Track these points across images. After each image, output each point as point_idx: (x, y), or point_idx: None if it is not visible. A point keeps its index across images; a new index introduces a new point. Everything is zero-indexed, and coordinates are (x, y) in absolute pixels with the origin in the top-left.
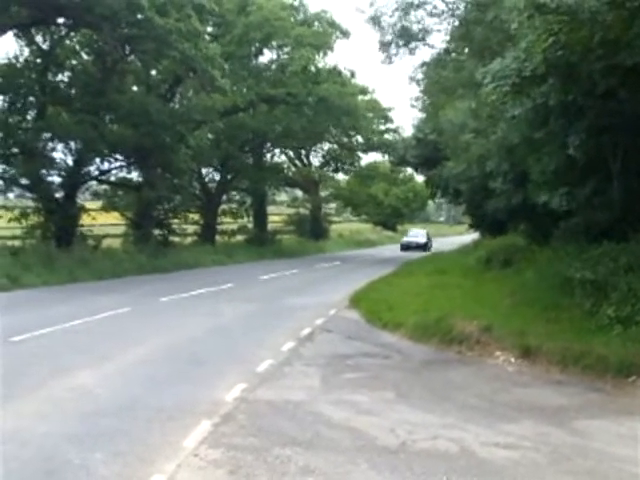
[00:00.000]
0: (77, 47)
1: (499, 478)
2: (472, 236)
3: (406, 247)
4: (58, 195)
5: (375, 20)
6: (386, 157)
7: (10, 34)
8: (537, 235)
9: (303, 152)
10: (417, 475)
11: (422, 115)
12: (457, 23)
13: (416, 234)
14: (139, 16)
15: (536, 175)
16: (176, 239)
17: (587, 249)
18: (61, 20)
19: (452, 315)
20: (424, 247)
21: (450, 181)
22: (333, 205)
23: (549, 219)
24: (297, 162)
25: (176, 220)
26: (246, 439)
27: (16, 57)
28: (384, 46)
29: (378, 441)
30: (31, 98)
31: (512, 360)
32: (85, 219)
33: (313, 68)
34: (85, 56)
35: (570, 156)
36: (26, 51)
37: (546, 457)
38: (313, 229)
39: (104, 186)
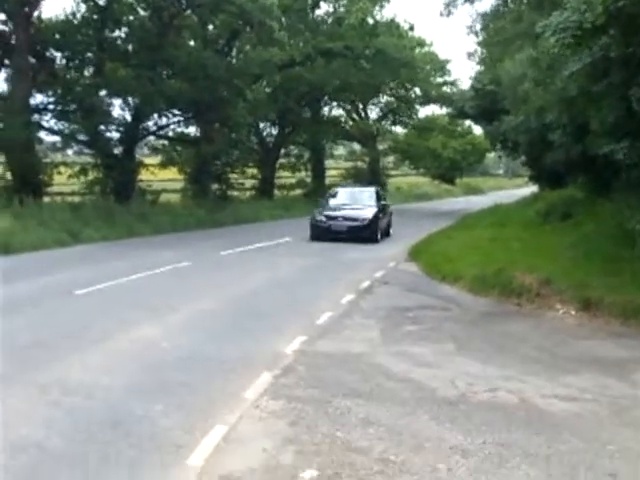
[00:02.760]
0: (133, 2)
1: (559, 430)
2: (531, 189)
3: (322, 233)
4: (116, 151)
5: None
6: (444, 109)
7: None
8: (597, 187)
9: (360, 105)
10: (477, 426)
11: (480, 67)
12: None
13: (350, 199)
14: None
15: (596, 126)
16: (234, 193)
17: None
18: None
19: (511, 267)
20: (369, 231)
21: (508, 133)
22: (391, 158)
23: (609, 171)
24: (354, 115)
25: (234, 175)
26: (306, 391)
27: (73, 14)
28: None
29: (438, 393)
30: (89, 54)
31: (572, 313)
32: (144, 174)
33: (370, 20)
34: (142, 11)
35: (630, 109)
36: (83, 7)
37: (607, 409)
38: (371, 182)
39: (162, 141)
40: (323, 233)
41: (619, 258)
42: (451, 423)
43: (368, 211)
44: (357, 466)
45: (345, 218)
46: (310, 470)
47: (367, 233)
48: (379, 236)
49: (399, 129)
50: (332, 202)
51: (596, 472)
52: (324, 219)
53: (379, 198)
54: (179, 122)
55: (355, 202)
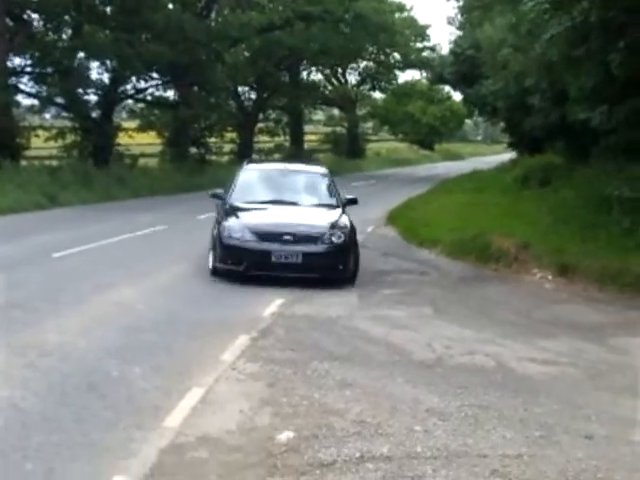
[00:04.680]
0: None
1: (536, 393)
2: (510, 155)
3: (250, 263)
4: (94, 114)
5: None
6: (423, 74)
7: None
8: (575, 153)
9: (340, 70)
10: (454, 389)
11: (460, 32)
12: None
13: (278, 190)
14: None
15: (575, 92)
16: (213, 157)
17: (626, 167)
18: None
19: (489, 232)
20: (343, 261)
21: (488, 98)
22: (370, 124)
23: (587, 137)
24: (334, 80)
25: (213, 139)
26: (284, 353)
27: None
28: None
29: (415, 356)
30: (66, 17)
31: (549, 278)
32: (122, 138)
33: None
34: None
35: (610, 74)
36: None
37: (584, 373)
38: (350, 148)
39: (140, 105)
40: (253, 265)
41: (596, 224)
42: (427, 386)
43: (329, 217)
44: (334, 428)
45: (296, 236)
46: (287, 432)
47: (340, 266)
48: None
49: (378, 94)
50: (244, 197)
51: (572, 434)
52: (250, 236)
53: (335, 191)
54: (157, 86)
55: (292, 198)
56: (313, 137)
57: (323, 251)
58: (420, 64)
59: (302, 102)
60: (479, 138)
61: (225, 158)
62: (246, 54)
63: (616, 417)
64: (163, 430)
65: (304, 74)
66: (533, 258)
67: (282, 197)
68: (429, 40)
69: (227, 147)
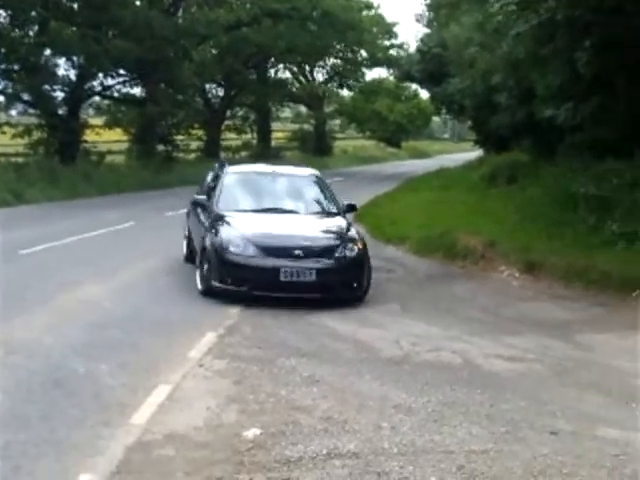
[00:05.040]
0: None
1: (502, 389)
2: (476, 153)
3: (255, 281)
4: (61, 111)
5: None
6: (391, 72)
7: None
8: (542, 151)
9: (307, 68)
10: (420, 385)
11: (427, 30)
12: None
13: (262, 195)
14: None
15: (541, 90)
16: (180, 155)
17: (592, 165)
18: None
19: (456, 230)
20: (358, 278)
21: (455, 96)
22: (337, 121)
23: (554, 135)
24: (301, 78)
25: (180, 136)
26: (251, 350)
27: None
28: None
29: (382, 353)
30: (33, 13)
31: (516, 275)
32: (89, 135)
33: None
34: None
35: (576, 72)
36: None
37: (550, 370)
38: (317, 145)
39: (107, 101)
40: (259, 284)
41: (562, 221)
42: (394, 382)
43: (336, 227)
44: (301, 425)
45: (307, 250)
46: (254, 429)
47: (354, 283)
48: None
49: (346, 92)
50: (232, 205)
51: (538, 430)
52: (253, 251)
53: (333, 197)
54: (124, 82)
55: (288, 205)
56: (280, 134)
57: (338, 267)
58: (387, 62)
59: (269, 99)
60: (446, 136)
61: (192, 155)
62: (213, 51)
63: (581, 413)
64: (130, 427)
65: (272, 72)
66: (500, 256)
67: (277, 204)
68: (396, 38)
69: (194, 144)
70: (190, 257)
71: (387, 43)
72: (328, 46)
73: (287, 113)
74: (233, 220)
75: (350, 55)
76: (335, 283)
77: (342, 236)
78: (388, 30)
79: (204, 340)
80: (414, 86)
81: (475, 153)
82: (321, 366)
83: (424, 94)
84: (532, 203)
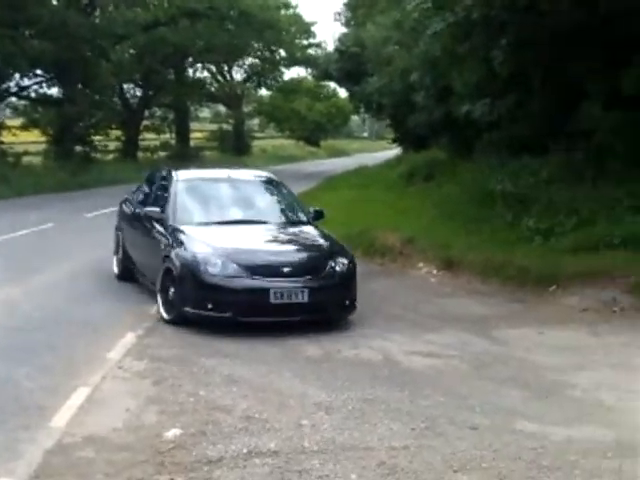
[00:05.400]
0: None
1: (422, 385)
2: (395, 151)
3: (240, 307)
4: None
5: None
6: (309, 71)
7: None
8: (459, 149)
9: (225, 67)
10: (341, 383)
11: (345, 29)
12: None
13: (220, 204)
14: None
15: (458, 88)
16: (98, 155)
17: (508, 162)
18: None
19: (375, 228)
20: (349, 296)
21: (373, 95)
22: (256, 121)
23: (471, 133)
24: (219, 77)
25: (98, 137)
26: (170, 350)
27: None
28: None
29: (302, 351)
30: None
31: (434, 272)
32: (5, 136)
33: None
34: None
35: (492, 70)
36: None
37: (469, 365)
38: (236, 145)
39: (24, 102)
40: (245, 309)
41: (480, 218)
42: (315, 380)
43: (316, 238)
44: (221, 424)
45: (295, 267)
46: (174, 429)
47: (346, 301)
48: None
49: (264, 91)
50: (192, 217)
51: (457, 425)
52: (235, 270)
53: (300, 203)
54: (41, 83)
55: (256, 216)
56: (199, 134)
57: (330, 284)
58: (306, 61)
59: (188, 99)
60: (365, 135)
61: (110, 156)
62: (131, 51)
63: (500, 407)
64: (49, 430)
65: (190, 71)
66: (418, 252)
67: (243, 214)
68: (315, 37)
69: (112, 145)
70: (125, 275)
71: (305, 42)
72: (246, 45)
73: (206, 113)
74: (199, 235)
75: (268, 54)
76: (328, 303)
77: (327, 248)
78: (306, 29)
79: (123, 341)
80: (332, 85)
81: (393, 151)
82: (241, 365)
83: (343, 93)
84: (450, 200)
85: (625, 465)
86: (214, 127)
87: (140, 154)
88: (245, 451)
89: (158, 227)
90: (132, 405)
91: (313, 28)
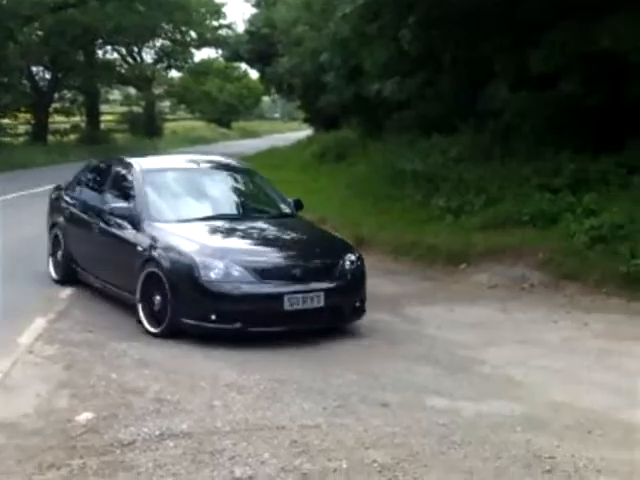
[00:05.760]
0: None
1: (333, 365)
2: (306, 132)
3: (257, 316)
4: None
5: None
6: (219, 53)
7: None
8: (370, 128)
9: (135, 49)
10: (252, 364)
11: (255, 10)
12: None
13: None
14: None
15: (368, 68)
16: (7, 139)
17: (418, 141)
18: None
19: None
20: (358, 297)
21: (284, 76)
22: (167, 103)
23: (381, 112)
24: (129, 59)
25: (6, 120)
26: (81, 334)
27: None
28: None
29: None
30: None
31: None
32: None
33: None
34: None
35: (401, 49)
36: None
37: (380, 343)
38: (147, 127)
39: None
40: (256, 318)
41: (391, 197)
42: (226, 362)
43: (315, 234)
44: (133, 407)
45: (307, 269)
46: (86, 413)
47: (357, 302)
48: None
49: (175, 73)
50: (167, 213)
51: (369, 403)
52: (241, 274)
53: (278, 193)
54: None
55: (239, 210)
56: (110, 117)
57: (343, 285)
58: (216, 42)
59: (98, 81)
60: (277, 116)
61: (20, 139)
62: (40, 33)
63: (411, 384)
64: None
65: (100, 53)
66: (330, 231)
67: (225, 209)
68: (225, 18)
69: (22, 128)
70: (68, 279)
71: (215, 23)
72: (156, 27)
73: (116, 95)
74: (186, 233)
75: (179, 36)
76: (343, 305)
77: (333, 244)
78: (216, 10)
79: (34, 326)
80: (243, 66)
81: (305, 132)
82: (152, 348)
83: (254, 74)
84: (361, 180)
85: (533, 438)
86: (124, 109)
87: (50, 137)
88: (157, 433)
89: (126, 225)
90: (43, 390)
91: (223, 9)
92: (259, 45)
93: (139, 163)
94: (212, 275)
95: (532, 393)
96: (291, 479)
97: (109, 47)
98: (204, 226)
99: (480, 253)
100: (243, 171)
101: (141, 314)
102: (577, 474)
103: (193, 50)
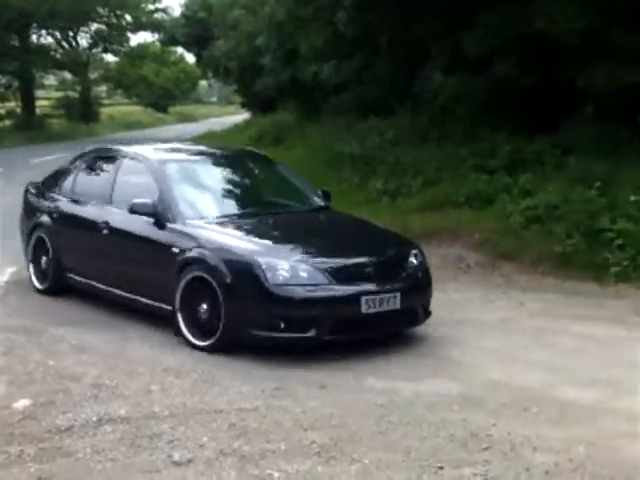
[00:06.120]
0: None
1: (271, 350)
2: (244, 116)
3: (335, 324)
4: None
5: None
6: (156, 37)
7: None
8: (307, 111)
9: (71, 33)
10: (190, 349)
11: None
12: None
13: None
14: None
15: (305, 51)
16: None
17: (355, 124)
18: None
19: None
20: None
21: (220, 60)
22: (103, 87)
23: (319, 95)
24: (64, 44)
25: None
26: (18, 320)
27: None
28: None
29: (150, 317)
30: None
31: None
32: None
33: None
34: None
35: (338, 31)
36: None
37: None
38: (83, 112)
39: None
40: (334, 323)
41: (328, 180)
42: (163, 347)
43: (364, 226)
44: (71, 393)
45: (377, 266)
46: (23, 399)
47: (425, 302)
48: None
49: (111, 57)
50: (199, 211)
51: (307, 385)
52: (313, 275)
53: (305, 183)
54: None
55: (277, 204)
56: (45, 102)
57: (416, 283)
58: (152, 26)
59: (33, 66)
60: (214, 100)
61: None
62: None
63: (349, 366)
64: None
65: (34, 37)
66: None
67: (260, 202)
68: (161, 2)
69: None
70: (58, 288)
71: (151, 7)
72: (91, 10)
73: (52, 80)
74: (233, 232)
75: (114, 20)
76: (416, 306)
77: (396, 240)
78: None
79: None
80: (180, 50)
81: (242, 116)
82: (90, 334)
83: (190, 58)
84: (298, 163)
85: (470, 417)
86: (60, 95)
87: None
88: (95, 419)
89: (149, 224)
90: None
91: None
92: (195, 29)
93: (152, 152)
94: (279, 277)
95: (469, 372)
96: (230, 462)
97: (44, 31)
98: (247, 222)
99: (417, 235)
100: (265, 160)
101: (182, 325)
102: (513, 451)
103: (129, 34)
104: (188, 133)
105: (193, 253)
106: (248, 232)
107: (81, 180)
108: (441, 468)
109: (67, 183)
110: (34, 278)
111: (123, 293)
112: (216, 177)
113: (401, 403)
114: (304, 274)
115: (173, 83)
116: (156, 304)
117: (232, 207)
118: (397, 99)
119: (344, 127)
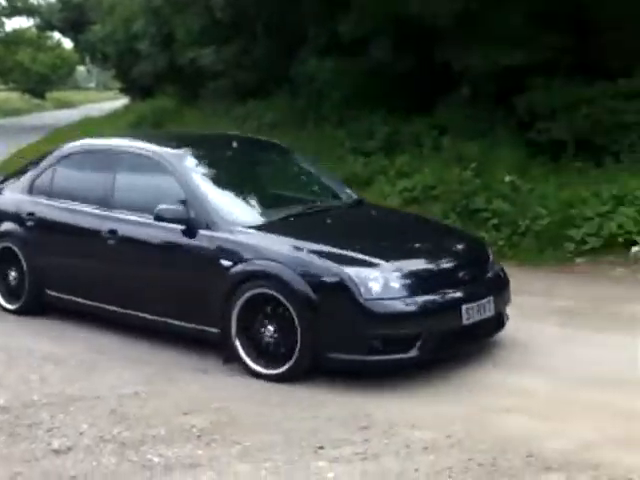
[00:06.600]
0: None
1: (155, 334)
2: (122, 101)
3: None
4: None
5: None
6: (32, 22)
7: None
8: (186, 96)
9: None
10: (70, 336)
11: None
12: None
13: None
14: None
15: (182, 36)
16: None
17: (235, 108)
18: None
19: None
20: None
21: (97, 45)
22: None
23: (197, 80)
24: None
25: None
26: None
27: None
28: None
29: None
30: None
31: None
32: None
33: None
34: None
35: (215, 17)
36: None
37: None
38: None
39: None
40: (436, 338)
41: None
42: (42, 333)
43: (424, 221)
44: None
45: (465, 269)
46: None
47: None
48: None
49: None
50: (236, 215)
51: (188, 370)
52: (404, 284)
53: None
54: None
55: (314, 200)
56: None
57: (502, 286)
58: (28, 11)
59: None
60: (92, 85)
61: None
62: None
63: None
64: None
65: None
66: None
67: (299, 200)
68: None
69: None
70: (35, 308)
71: None
72: None
73: None
74: (294, 239)
75: None
76: (503, 311)
77: (469, 237)
78: None
79: None
80: (57, 36)
81: (121, 101)
82: None
83: (68, 43)
84: None
85: (349, 397)
86: None
87: None
88: None
89: (178, 233)
90: None
91: None
92: (72, 13)
93: (160, 147)
94: (372, 290)
95: None
96: (110, 448)
97: None
98: (300, 226)
99: None
100: (286, 151)
101: (242, 353)
102: (392, 429)
103: (4, 19)
104: (66, 119)
105: (253, 266)
106: (312, 238)
107: (63, 181)
108: (321, 448)
109: (42, 184)
110: (1, 299)
111: (139, 314)
112: (245, 174)
113: (282, 386)
114: (395, 284)
115: (50, 69)
116: (191, 326)
117: (273, 208)
118: (276, 83)
119: (223, 111)
